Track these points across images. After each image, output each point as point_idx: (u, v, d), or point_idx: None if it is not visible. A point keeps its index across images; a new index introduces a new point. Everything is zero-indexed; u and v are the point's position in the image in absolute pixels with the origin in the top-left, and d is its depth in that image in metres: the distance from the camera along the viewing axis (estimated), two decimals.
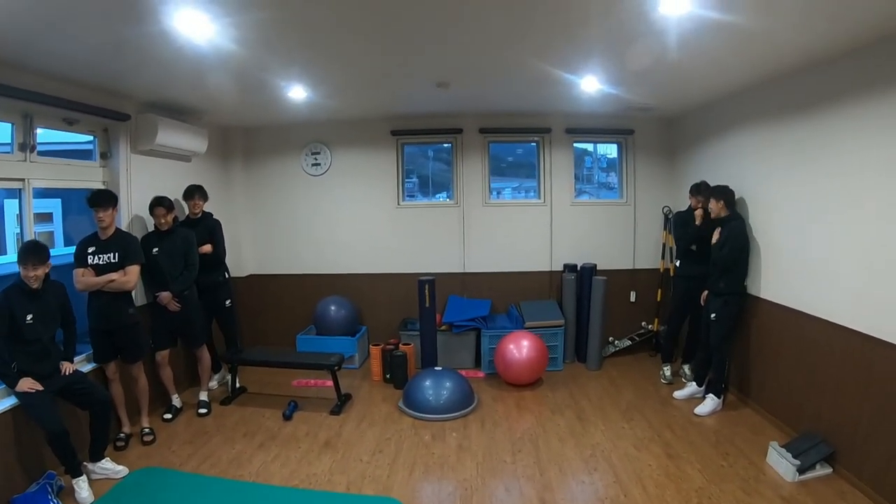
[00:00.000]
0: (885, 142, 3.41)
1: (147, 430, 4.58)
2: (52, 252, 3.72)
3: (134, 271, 4.31)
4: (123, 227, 4.77)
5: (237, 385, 5.61)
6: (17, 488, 3.56)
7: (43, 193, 5.51)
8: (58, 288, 3.81)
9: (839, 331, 3.80)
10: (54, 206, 8.13)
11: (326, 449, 4.43)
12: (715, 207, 4.87)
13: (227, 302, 5.64)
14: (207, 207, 5.53)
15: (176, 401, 5.07)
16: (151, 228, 4.96)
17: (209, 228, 5.48)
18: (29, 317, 3.55)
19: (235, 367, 5.60)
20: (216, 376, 5.77)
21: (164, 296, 4.80)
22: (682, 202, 5.82)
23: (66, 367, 3.81)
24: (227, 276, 5.68)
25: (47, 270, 3.63)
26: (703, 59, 4.01)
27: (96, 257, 4.24)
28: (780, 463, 3.84)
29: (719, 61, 4.08)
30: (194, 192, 5.37)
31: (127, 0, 2.75)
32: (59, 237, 8.03)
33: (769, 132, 4.66)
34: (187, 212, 5.46)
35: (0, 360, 3.46)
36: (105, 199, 4.25)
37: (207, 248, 5.37)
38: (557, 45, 3.77)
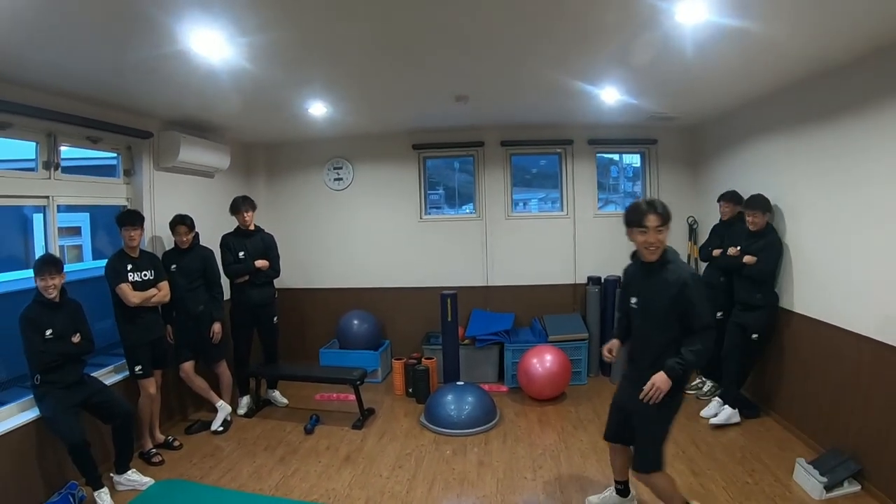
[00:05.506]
0: None
1: (153, 450, 4.51)
2: (81, 266, 3.80)
3: (166, 286, 4.54)
4: (146, 244, 4.85)
5: (261, 399, 5.65)
6: (38, 498, 3.63)
7: (71, 208, 5.64)
8: (75, 303, 3.88)
9: (869, 344, 3.64)
10: (83, 220, 8.27)
11: (347, 464, 4.41)
12: (760, 220, 4.63)
13: (275, 319, 5.65)
14: (225, 223, 5.49)
15: (221, 407, 5.07)
16: (171, 246, 5.02)
17: (266, 243, 5.49)
18: (49, 332, 3.61)
19: (259, 380, 5.65)
20: (245, 400, 5.53)
21: (214, 327, 4.99)
22: (707, 212, 5.69)
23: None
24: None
25: (63, 280, 3.73)
26: (721, 68, 3.95)
27: (134, 274, 4.37)
28: (807, 480, 3.70)
29: (737, 69, 4.00)
30: (240, 205, 5.34)
31: (144, 23, 2.80)
32: (87, 251, 8.16)
33: (793, 140, 4.53)
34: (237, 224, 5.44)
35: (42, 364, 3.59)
36: (139, 218, 4.42)
37: (264, 263, 5.37)
38: (575, 57, 3.76)
